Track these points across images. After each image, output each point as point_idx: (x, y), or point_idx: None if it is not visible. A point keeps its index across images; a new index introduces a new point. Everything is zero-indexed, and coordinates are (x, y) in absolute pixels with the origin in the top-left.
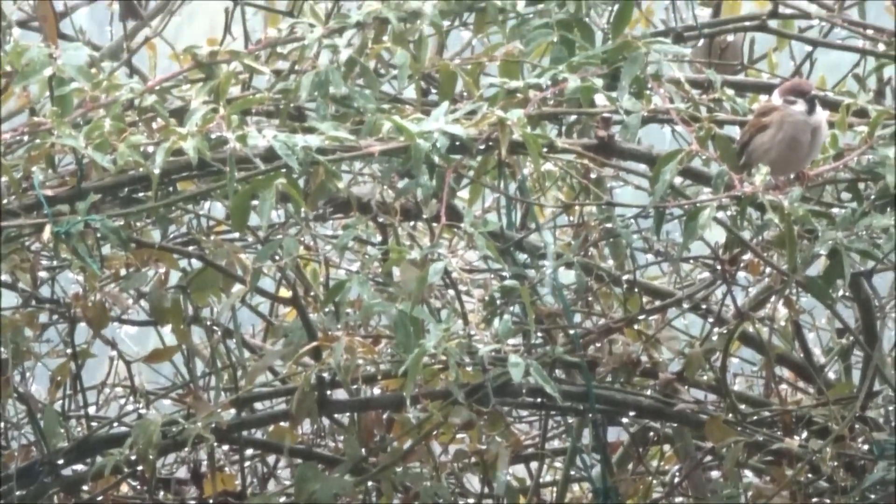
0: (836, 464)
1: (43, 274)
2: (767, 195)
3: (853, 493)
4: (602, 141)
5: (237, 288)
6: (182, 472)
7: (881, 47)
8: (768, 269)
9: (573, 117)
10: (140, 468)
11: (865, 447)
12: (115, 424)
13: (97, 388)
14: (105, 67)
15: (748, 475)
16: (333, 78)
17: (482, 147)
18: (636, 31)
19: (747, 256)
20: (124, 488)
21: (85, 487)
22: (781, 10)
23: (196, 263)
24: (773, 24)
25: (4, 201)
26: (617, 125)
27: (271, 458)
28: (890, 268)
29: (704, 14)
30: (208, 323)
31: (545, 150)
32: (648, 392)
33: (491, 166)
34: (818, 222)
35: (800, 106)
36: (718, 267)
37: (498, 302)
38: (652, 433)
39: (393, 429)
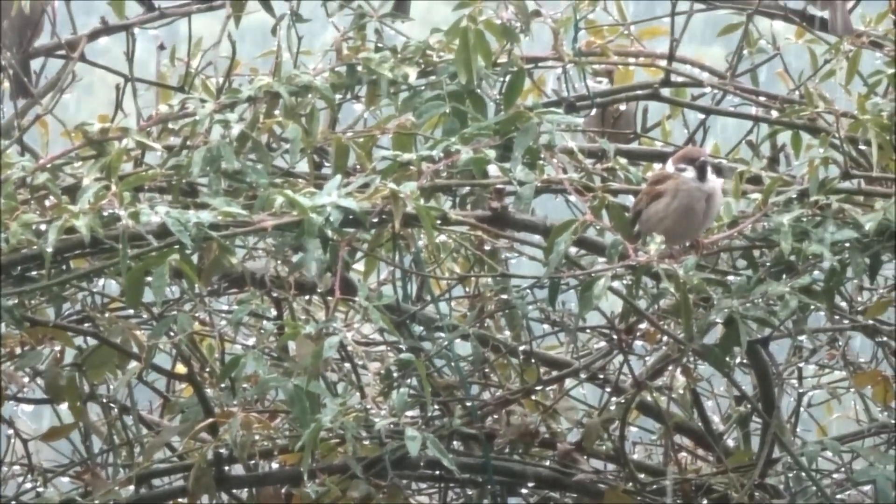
0: None
1: None
2: (662, 264)
3: None
4: (496, 212)
5: (133, 365)
6: None
7: (774, 114)
8: (665, 338)
9: (466, 189)
10: None
11: None
12: (13, 503)
13: None
14: None
15: None
16: (225, 153)
17: (376, 220)
18: (528, 101)
19: (644, 325)
20: None
21: None
22: (674, 78)
23: (91, 341)
24: (665, 92)
25: None
26: (510, 196)
27: None
28: (786, 335)
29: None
30: (105, 400)
31: (439, 222)
32: (547, 462)
33: (385, 239)
34: (714, 290)
35: (690, 173)
36: (615, 336)
37: (394, 375)
38: None
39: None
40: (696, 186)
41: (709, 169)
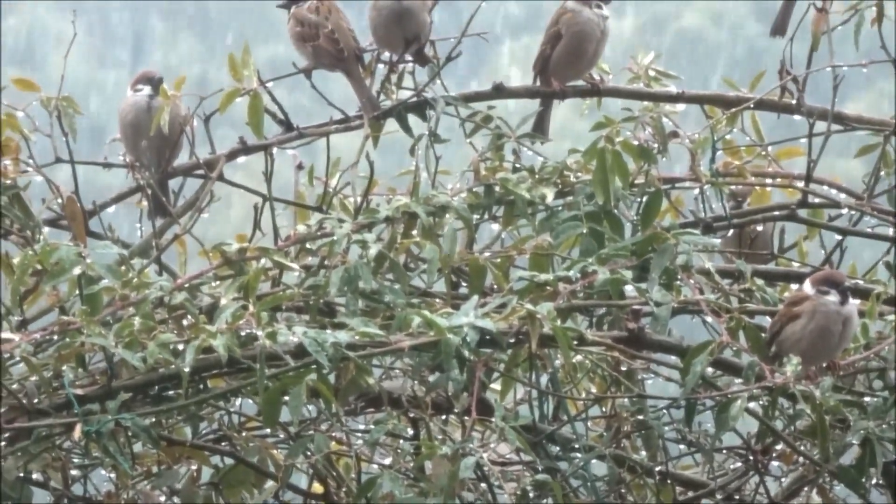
0: None
1: (75, 472)
2: (799, 385)
3: None
4: (632, 333)
5: (270, 484)
6: None
7: None
8: (801, 459)
9: (603, 309)
10: None
11: None
12: None
13: None
14: (134, 265)
15: None
16: (363, 273)
17: (512, 340)
18: (665, 221)
19: (780, 446)
20: None
21: None
22: (810, 199)
23: (228, 460)
24: (802, 213)
25: (35, 400)
26: (647, 317)
27: None
28: None
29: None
30: None
31: (575, 342)
32: None
33: (522, 359)
34: (850, 412)
35: (833, 297)
36: (751, 457)
37: (531, 495)
38: None
39: None
40: (835, 310)
41: (849, 293)
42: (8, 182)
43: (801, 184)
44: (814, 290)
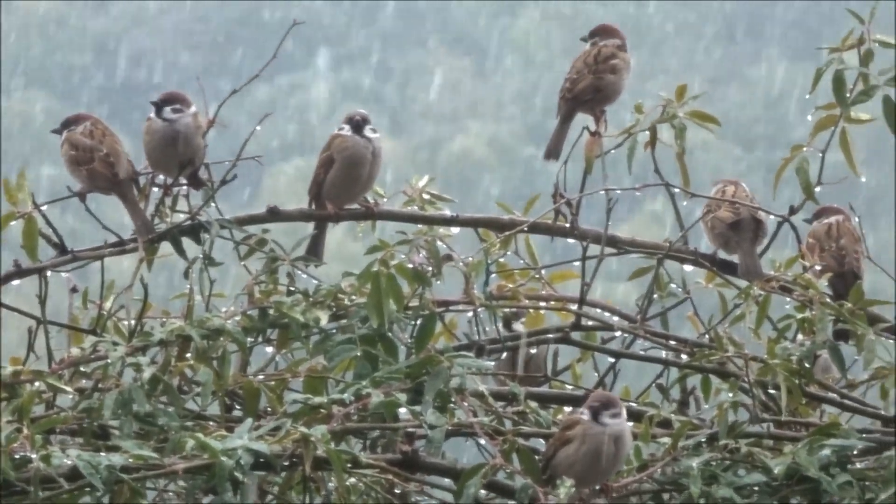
0: None
1: None
2: None
3: None
4: (406, 456)
5: None
6: None
7: (684, 357)
8: None
9: (377, 432)
10: None
11: None
12: None
13: None
14: None
15: None
16: (137, 396)
17: (286, 463)
18: (439, 344)
19: None
20: None
21: None
22: (584, 321)
23: None
24: (576, 335)
25: None
26: (421, 439)
27: None
28: None
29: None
30: None
31: (349, 465)
32: None
33: (296, 482)
34: None
35: (585, 415)
36: None
37: None
38: None
39: None
40: (606, 433)
41: (604, 414)
42: None
43: (574, 307)
44: (585, 414)
